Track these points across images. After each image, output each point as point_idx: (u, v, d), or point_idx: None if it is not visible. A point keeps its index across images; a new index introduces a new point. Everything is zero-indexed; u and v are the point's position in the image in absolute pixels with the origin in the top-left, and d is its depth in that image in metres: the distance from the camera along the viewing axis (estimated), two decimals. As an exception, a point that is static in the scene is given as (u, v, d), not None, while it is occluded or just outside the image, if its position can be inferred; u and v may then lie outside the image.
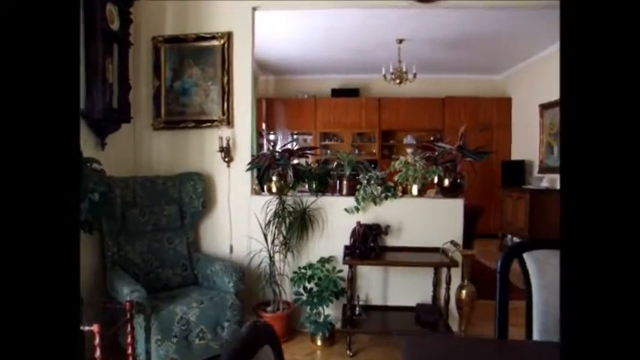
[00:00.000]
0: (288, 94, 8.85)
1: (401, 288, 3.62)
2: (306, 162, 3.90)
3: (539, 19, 5.66)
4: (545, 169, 7.12)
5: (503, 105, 8.63)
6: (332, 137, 8.94)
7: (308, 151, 3.85)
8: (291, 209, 3.44)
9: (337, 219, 3.59)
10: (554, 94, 6.78)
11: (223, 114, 3.66)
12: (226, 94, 3.64)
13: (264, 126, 8.33)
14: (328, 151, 8.76)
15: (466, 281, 3.44)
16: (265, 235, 3.41)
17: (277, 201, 3.43)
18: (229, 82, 3.65)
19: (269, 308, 3.42)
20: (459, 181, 3.60)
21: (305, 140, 8.80)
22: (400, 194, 3.59)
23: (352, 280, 3.13)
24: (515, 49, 7.15)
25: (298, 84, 8.88)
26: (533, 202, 6.41)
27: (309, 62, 7.98)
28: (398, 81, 6.53)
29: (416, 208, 3.63)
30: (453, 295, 3.40)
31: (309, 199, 3.54)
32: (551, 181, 6.84)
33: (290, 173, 3.45)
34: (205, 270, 3.33)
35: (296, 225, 3.42)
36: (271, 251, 3.41)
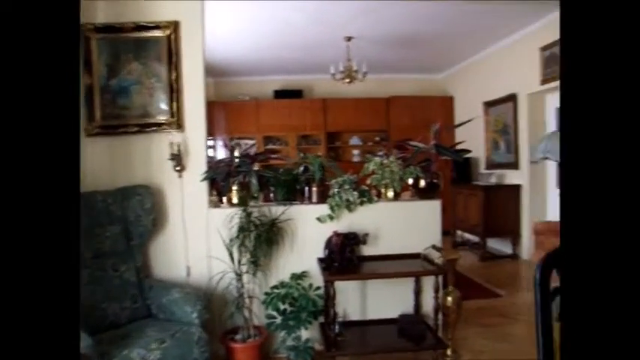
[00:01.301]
0: (228, 96, 8.34)
1: (381, 299, 3.32)
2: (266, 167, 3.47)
3: (487, 17, 5.65)
4: (492, 165, 7.18)
5: (446, 104, 8.68)
6: (276, 141, 8.54)
7: (272, 156, 3.42)
8: (257, 222, 3.03)
9: (309, 229, 3.23)
10: (497, 91, 6.86)
11: (172, 116, 3.16)
12: (175, 92, 3.15)
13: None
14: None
15: (450, 287, 3.20)
16: (231, 254, 2.97)
17: (241, 213, 3.00)
18: (178, 79, 3.16)
19: (238, 337, 2.98)
20: (435, 181, 3.37)
21: (247, 145, 8.34)
22: (376, 199, 3.29)
23: (333, 296, 2.78)
24: (458, 48, 7.17)
25: (238, 86, 8.41)
26: (485, 198, 6.39)
27: (250, 63, 7.55)
28: (348, 80, 6.28)
29: (392, 212, 3.35)
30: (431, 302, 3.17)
31: (277, 210, 3.14)
32: (499, 176, 6.89)
33: (254, 181, 3.04)
34: (160, 299, 2.83)
35: (263, 239, 3.01)
36: (239, 271, 2.98)
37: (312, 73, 8.34)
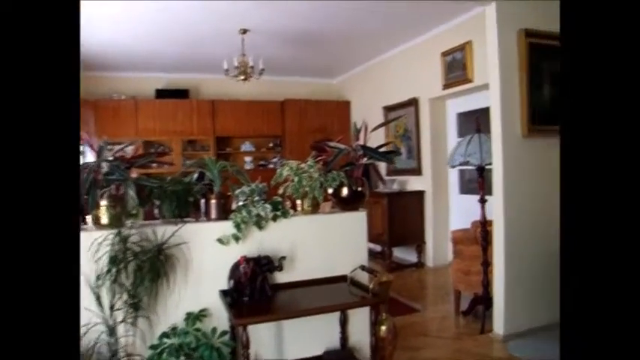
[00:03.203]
0: (100, 94, 7.13)
1: (301, 334, 2.68)
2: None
3: (389, 20, 5.40)
4: (394, 171, 6.95)
5: (342, 108, 8.39)
6: (158, 147, 7.50)
7: (158, 160, 2.57)
8: (137, 249, 2.23)
9: (207, 255, 2.50)
10: (397, 96, 6.68)
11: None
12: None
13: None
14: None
15: (384, 314, 2.69)
16: (98, 297, 2.13)
17: (114, 238, 2.18)
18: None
19: (111, 411, 2.14)
20: (360, 189, 2.85)
21: (121, 146, 7.17)
22: (291, 212, 2.67)
23: (246, 344, 2.09)
24: (356, 51, 6.89)
25: (113, 83, 7.24)
26: (389, 205, 6.11)
27: (127, 56, 6.48)
28: (243, 77, 5.59)
29: (311, 228, 2.76)
30: (363, 333, 2.64)
31: (165, 231, 2.36)
32: (401, 183, 6.69)
33: (131, 193, 2.24)
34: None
35: (147, 272, 2.21)
36: (111, 321, 2.14)
37: (199, 72, 7.51)
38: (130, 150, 2.45)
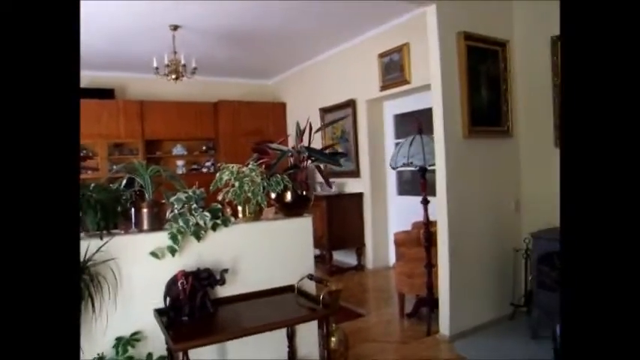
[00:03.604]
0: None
1: (246, 352, 2.47)
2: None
3: (325, 21, 5.33)
4: (332, 173, 6.87)
5: (278, 110, 8.22)
6: (82, 150, 6.93)
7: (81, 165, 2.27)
8: (55, 268, 1.93)
9: (139, 270, 2.24)
10: (334, 97, 6.62)
11: None
12: None
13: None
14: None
15: (334, 325, 2.56)
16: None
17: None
18: None
19: None
20: (304, 193, 2.70)
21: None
22: (232, 219, 2.46)
23: (185, 369, 1.87)
24: (291, 52, 6.75)
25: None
26: (328, 208, 6.02)
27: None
28: (174, 76, 5.26)
29: (254, 236, 2.57)
30: (313, 345, 2.50)
31: (89, 246, 2.07)
32: (339, 185, 6.63)
33: (48, 204, 1.94)
34: None
35: (67, 293, 1.92)
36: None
37: (126, 70, 7.04)
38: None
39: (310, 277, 2.54)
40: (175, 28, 5.14)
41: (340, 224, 6.05)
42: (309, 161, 2.66)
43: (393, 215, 6.22)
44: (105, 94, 6.97)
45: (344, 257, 6.54)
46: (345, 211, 6.15)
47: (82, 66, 6.60)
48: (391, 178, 6.22)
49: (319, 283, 2.47)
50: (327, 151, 2.76)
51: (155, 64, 5.19)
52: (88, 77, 6.91)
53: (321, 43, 6.37)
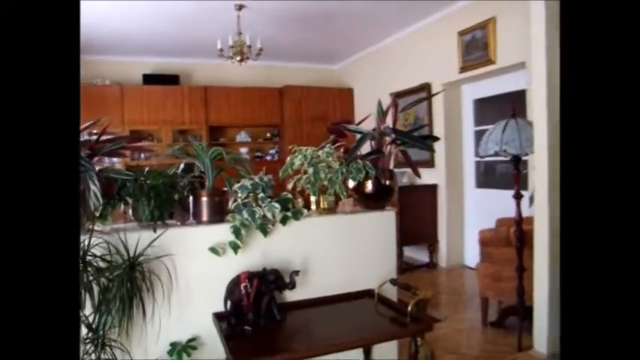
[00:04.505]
0: (82, 78, 6.52)
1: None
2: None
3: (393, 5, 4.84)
4: (403, 162, 6.40)
5: (344, 96, 7.83)
6: (146, 136, 6.91)
7: (131, 146, 1.96)
8: (103, 264, 1.66)
9: (197, 268, 1.94)
10: (407, 82, 6.12)
11: None
12: None
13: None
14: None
15: (420, 340, 2.15)
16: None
17: (70, 249, 1.61)
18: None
19: None
20: (387, 183, 2.29)
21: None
22: (305, 212, 2.10)
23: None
24: (361, 33, 6.34)
25: (96, 67, 6.59)
26: (400, 200, 5.55)
27: (112, 38, 5.89)
28: (239, 58, 5.00)
29: (329, 231, 2.20)
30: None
31: (140, 238, 1.79)
32: (411, 175, 6.11)
33: (94, 189, 1.67)
34: None
35: (116, 293, 1.65)
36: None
37: (191, 56, 6.94)
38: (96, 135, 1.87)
39: (393, 282, 2.14)
40: (240, 7, 4.87)
41: (412, 218, 5.57)
42: (393, 145, 2.24)
43: (471, 209, 5.66)
44: (170, 80, 6.90)
45: (415, 253, 6.07)
46: (418, 203, 5.67)
47: (148, 52, 6.61)
48: (469, 169, 5.66)
49: (406, 290, 2.06)
50: (418, 134, 2.32)
51: (219, 46, 4.95)
52: (153, 64, 6.87)
53: (392, 23, 5.89)
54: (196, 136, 7.18)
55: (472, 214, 5.61)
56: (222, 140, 7.44)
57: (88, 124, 1.90)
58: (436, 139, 2.41)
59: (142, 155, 6.60)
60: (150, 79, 6.80)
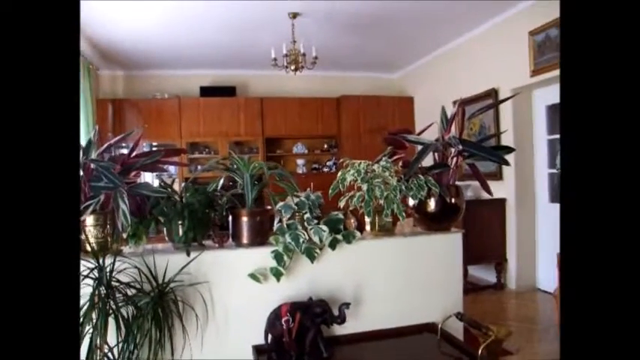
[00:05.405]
0: (143, 93, 6.67)
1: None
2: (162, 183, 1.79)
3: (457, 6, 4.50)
4: (467, 175, 5.99)
5: (404, 105, 7.50)
6: (203, 149, 6.94)
7: (166, 160, 1.83)
8: (131, 290, 1.50)
9: (236, 295, 1.74)
10: (471, 88, 5.71)
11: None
12: None
13: (110, 136, 6.03)
14: (198, 167, 6.74)
15: (492, 389, 1.82)
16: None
17: (95, 273, 1.46)
18: None
19: None
20: (453, 201, 1.99)
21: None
22: (357, 234, 1.85)
23: None
24: (419, 41, 6.03)
25: (156, 81, 6.73)
26: (465, 216, 5.14)
27: (169, 53, 5.95)
28: (293, 67, 4.86)
29: (384, 256, 1.93)
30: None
31: (172, 261, 1.61)
32: (476, 189, 5.68)
33: (123, 208, 1.51)
34: None
35: (144, 322, 1.47)
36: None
37: (247, 67, 6.89)
38: (129, 141, 1.73)
39: (459, 316, 1.83)
40: (295, 15, 4.73)
41: (477, 235, 5.13)
42: (460, 158, 1.95)
43: (544, 226, 5.14)
44: (227, 91, 6.89)
45: (481, 273, 5.61)
46: (484, 219, 5.23)
47: (205, 65, 6.64)
48: (541, 182, 5.16)
49: (474, 328, 1.75)
50: (488, 145, 2.01)
51: (273, 55, 4.83)
52: (210, 76, 6.91)
53: (455, 27, 5.53)
54: (252, 148, 7.13)
55: (545, 232, 5.09)
56: (278, 152, 7.34)
57: (118, 137, 1.76)
58: (511, 150, 2.08)
59: (199, 167, 6.61)
60: (207, 91, 6.84)
